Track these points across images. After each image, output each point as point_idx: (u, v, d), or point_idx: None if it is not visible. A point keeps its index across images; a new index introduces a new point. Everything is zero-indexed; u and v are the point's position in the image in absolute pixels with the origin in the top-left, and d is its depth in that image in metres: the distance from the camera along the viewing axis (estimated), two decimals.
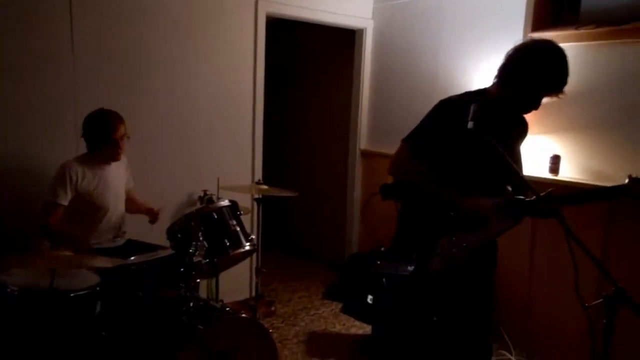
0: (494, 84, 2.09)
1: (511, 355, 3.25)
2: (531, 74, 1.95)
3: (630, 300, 1.48)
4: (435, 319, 2.30)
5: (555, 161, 3.19)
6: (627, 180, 1.88)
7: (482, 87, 2.17)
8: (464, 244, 2.02)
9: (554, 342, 3.26)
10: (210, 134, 3.74)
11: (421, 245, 2.10)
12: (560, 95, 1.99)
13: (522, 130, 2.24)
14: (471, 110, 1.85)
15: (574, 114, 3.12)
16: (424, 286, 2.18)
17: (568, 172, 3.20)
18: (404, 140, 2.16)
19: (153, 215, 3.01)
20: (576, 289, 1.76)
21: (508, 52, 2.03)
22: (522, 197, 1.98)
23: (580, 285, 1.71)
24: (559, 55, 1.95)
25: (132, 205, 3.09)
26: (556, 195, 1.92)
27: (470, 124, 1.84)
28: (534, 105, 2.04)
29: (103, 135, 2.74)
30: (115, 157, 2.82)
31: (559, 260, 3.10)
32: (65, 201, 2.68)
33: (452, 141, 2.01)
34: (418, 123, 2.16)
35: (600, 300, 1.56)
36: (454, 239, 2.02)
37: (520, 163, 2.25)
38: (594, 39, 3.03)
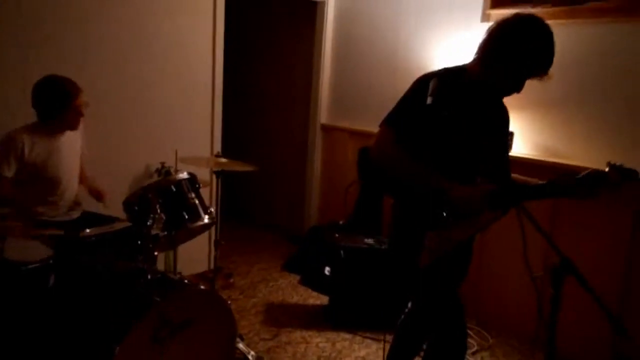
0: (473, 62, 1.93)
1: None
2: (513, 53, 1.80)
3: (576, 270, 1.55)
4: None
5: (509, 138, 3.28)
6: (607, 169, 1.78)
7: (462, 63, 2.00)
8: (453, 239, 1.91)
9: (503, 311, 3.40)
10: (169, 105, 3.66)
11: (408, 238, 2.02)
12: (545, 78, 1.87)
13: (504, 115, 2.09)
14: (430, 86, 1.79)
15: (527, 91, 3.16)
16: (410, 277, 2.16)
17: (521, 149, 3.30)
18: (383, 124, 1.97)
19: (100, 198, 2.92)
20: (525, 261, 1.83)
21: (489, 27, 1.88)
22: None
23: (528, 256, 1.79)
24: (544, 33, 1.81)
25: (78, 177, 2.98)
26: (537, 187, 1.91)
27: (429, 100, 1.79)
28: (516, 87, 1.91)
29: (62, 103, 2.60)
30: (75, 126, 2.71)
31: (508, 231, 3.20)
32: (9, 172, 2.56)
33: (425, 120, 1.86)
34: (396, 102, 1.99)
35: (547, 271, 1.62)
36: (442, 233, 1.89)
37: (504, 152, 2.14)
38: (550, 18, 3.01)
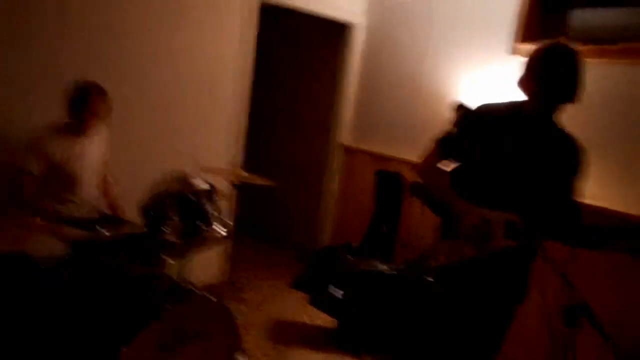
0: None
1: None
2: (535, 76, 1.83)
3: (591, 312, 1.52)
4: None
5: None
6: None
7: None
8: (451, 254, 1.92)
9: (515, 349, 3.33)
10: (194, 115, 3.72)
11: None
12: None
13: (558, 149, 1.95)
14: (456, 115, 1.85)
15: None
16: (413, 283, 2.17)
17: None
18: (435, 141, 2.06)
19: (114, 212, 3.00)
20: (542, 298, 1.81)
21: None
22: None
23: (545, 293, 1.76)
24: (567, 60, 1.81)
25: (101, 185, 3.06)
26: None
27: (453, 129, 1.84)
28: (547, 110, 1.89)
29: (75, 105, 2.68)
30: (82, 130, 2.76)
31: None
32: (37, 170, 2.64)
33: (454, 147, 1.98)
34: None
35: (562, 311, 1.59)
36: (454, 243, 1.92)
37: (551, 184, 1.95)
38: None
